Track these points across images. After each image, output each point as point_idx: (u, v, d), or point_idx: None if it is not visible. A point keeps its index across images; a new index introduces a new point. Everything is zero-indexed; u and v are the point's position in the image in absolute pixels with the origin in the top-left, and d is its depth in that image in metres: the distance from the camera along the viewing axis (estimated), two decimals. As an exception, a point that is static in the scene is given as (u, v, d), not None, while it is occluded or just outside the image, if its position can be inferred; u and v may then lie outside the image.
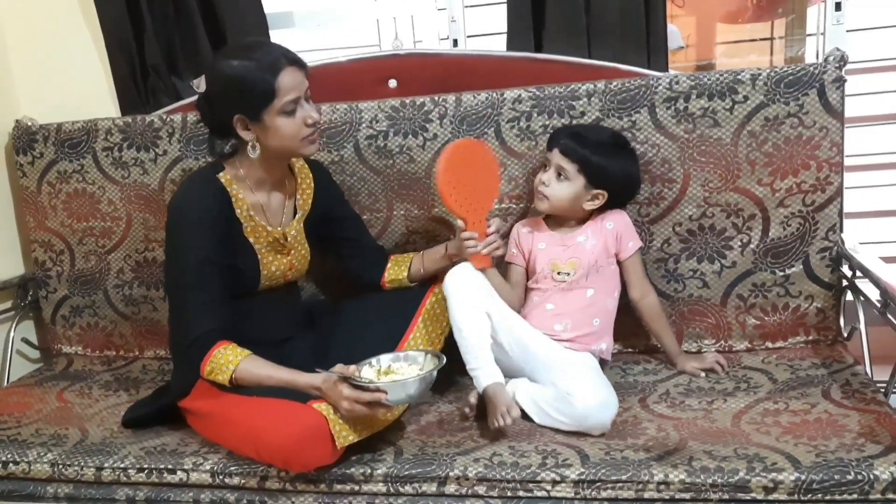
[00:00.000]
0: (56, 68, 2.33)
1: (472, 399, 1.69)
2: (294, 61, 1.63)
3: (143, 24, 2.21)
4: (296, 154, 1.72)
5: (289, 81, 1.60)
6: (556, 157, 1.78)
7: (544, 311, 1.82)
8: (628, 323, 1.95)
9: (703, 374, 1.81)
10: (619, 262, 1.84)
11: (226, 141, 1.76)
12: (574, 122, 1.91)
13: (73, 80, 2.33)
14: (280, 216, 1.79)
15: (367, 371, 1.57)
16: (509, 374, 1.76)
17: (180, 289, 1.65)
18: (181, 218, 1.66)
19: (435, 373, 1.54)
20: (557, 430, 1.60)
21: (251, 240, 1.73)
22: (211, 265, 1.63)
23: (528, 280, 1.89)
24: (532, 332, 1.79)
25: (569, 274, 1.80)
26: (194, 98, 2.18)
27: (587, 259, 1.79)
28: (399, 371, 1.59)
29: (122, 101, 2.30)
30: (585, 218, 1.84)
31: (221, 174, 1.70)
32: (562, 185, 1.78)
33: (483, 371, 1.65)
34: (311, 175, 1.87)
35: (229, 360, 1.57)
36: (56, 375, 2.18)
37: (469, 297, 1.71)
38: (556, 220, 1.86)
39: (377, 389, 1.48)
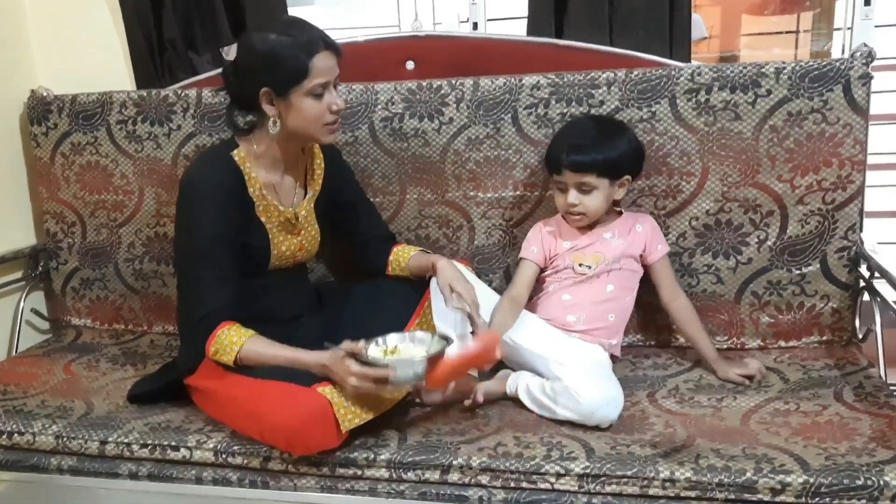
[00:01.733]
0: (73, 39, 2.32)
1: (479, 397, 1.67)
2: (330, 46, 1.62)
3: (162, -3, 2.20)
4: (314, 139, 1.70)
5: (322, 65, 1.59)
6: (570, 177, 1.74)
7: (560, 301, 1.80)
8: (639, 316, 1.94)
9: (747, 383, 1.71)
10: (646, 266, 1.82)
11: (244, 114, 1.74)
12: (592, 111, 1.88)
13: (90, 51, 2.32)
14: (292, 196, 1.78)
15: (374, 350, 1.56)
16: (514, 366, 1.76)
17: (190, 265, 1.64)
18: (193, 194, 1.65)
19: (443, 354, 1.52)
20: (563, 422, 1.59)
21: (263, 219, 1.72)
22: (221, 242, 1.62)
23: (543, 270, 1.86)
24: (538, 324, 1.78)
25: (590, 267, 1.78)
26: (210, 74, 2.20)
27: (611, 254, 1.77)
28: (405, 351, 1.57)
29: (137, 74, 2.29)
30: (612, 213, 1.82)
31: (235, 152, 1.68)
32: (591, 197, 1.74)
33: None
34: (321, 155, 1.86)
35: (233, 341, 1.56)
36: (64, 347, 2.19)
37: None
38: None
39: (385, 367, 1.47)
